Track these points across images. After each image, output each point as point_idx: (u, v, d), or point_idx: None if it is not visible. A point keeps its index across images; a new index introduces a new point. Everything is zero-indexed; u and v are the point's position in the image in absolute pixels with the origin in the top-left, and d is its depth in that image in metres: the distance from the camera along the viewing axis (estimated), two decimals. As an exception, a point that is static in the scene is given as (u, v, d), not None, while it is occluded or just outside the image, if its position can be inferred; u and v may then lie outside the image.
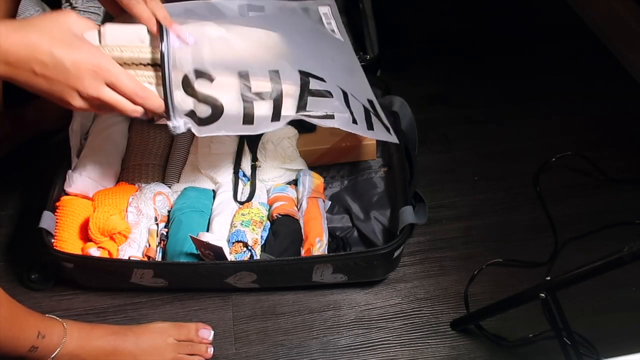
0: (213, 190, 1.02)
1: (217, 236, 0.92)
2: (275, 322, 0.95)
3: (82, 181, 0.97)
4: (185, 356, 0.88)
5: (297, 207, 1.00)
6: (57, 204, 0.93)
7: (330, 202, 1.05)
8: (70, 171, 0.98)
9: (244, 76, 0.76)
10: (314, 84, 0.79)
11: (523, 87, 1.33)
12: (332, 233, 1.00)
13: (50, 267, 0.97)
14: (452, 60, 1.39)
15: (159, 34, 0.71)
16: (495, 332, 0.94)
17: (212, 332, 0.92)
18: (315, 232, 0.95)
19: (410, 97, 1.06)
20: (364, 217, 1.02)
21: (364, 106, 0.86)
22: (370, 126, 0.85)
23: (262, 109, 0.78)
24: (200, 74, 0.73)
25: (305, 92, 0.79)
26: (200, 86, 0.73)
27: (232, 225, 0.95)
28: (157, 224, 0.96)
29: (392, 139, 0.88)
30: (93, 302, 0.97)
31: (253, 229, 0.93)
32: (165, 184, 1.02)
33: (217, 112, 0.75)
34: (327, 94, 0.80)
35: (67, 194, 0.96)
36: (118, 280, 0.94)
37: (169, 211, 0.99)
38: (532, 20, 1.49)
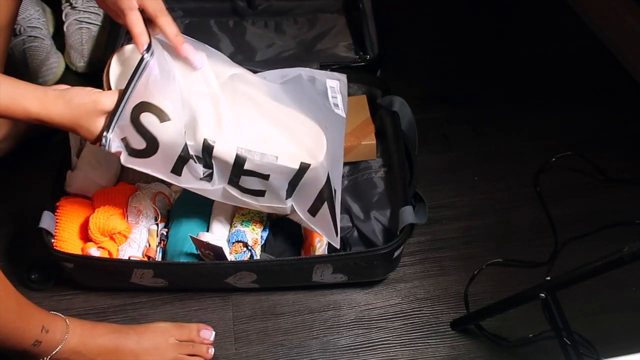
0: (213, 190, 1.02)
1: (217, 236, 0.92)
2: (275, 322, 0.95)
3: (82, 181, 0.97)
4: (186, 356, 0.88)
5: (297, 207, 1.00)
6: (57, 204, 0.93)
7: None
8: (70, 171, 0.98)
9: (191, 128, 0.77)
10: (249, 165, 0.81)
11: (523, 87, 1.33)
12: (332, 233, 1.00)
13: (50, 267, 0.97)
14: (452, 60, 1.39)
15: (144, 49, 0.73)
16: (495, 332, 0.94)
17: (214, 333, 0.92)
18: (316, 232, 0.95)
19: (410, 97, 1.06)
20: (364, 217, 1.02)
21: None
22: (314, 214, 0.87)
23: (196, 168, 0.80)
24: (157, 109, 0.74)
25: (240, 170, 0.81)
26: (147, 120, 0.74)
27: (232, 225, 0.95)
28: (157, 224, 0.97)
29: (333, 239, 0.89)
30: (93, 302, 0.97)
31: (253, 229, 0.93)
32: (165, 184, 1.02)
33: (150, 150, 0.76)
34: (264, 177, 0.82)
35: (67, 194, 0.97)
36: (118, 280, 0.94)
37: (168, 211, 0.99)
38: (532, 20, 1.48)
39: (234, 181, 0.83)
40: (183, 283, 0.96)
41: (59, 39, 1.32)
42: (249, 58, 1.22)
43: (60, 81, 1.28)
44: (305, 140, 0.85)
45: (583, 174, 1.16)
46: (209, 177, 0.82)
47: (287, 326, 0.95)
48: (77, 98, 0.72)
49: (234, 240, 0.91)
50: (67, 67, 1.30)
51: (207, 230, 0.95)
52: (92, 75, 1.28)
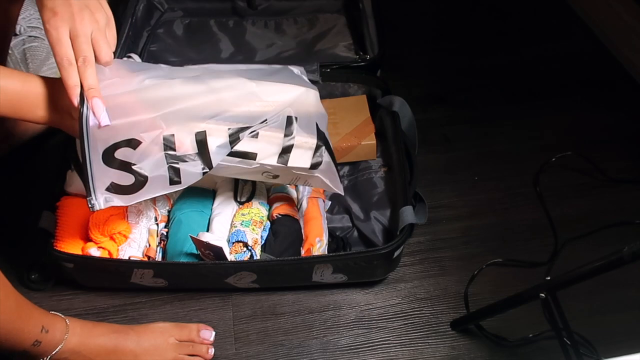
0: (213, 190, 1.02)
1: (217, 236, 0.92)
2: (275, 322, 0.95)
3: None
4: (185, 357, 0.88)
5: (297, 207, 1.00)
6: (57, 204, 0.93)
7: (330, 202, 1.05)
8: (70, 171, 0.98)
9: (168, 141, 0.73)
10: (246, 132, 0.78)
11: (523, 87, 1.33)
12: (332, 233, 1.00)
13: (50, 267, 0.97)
14: (452, 60, 1.39)
15: (78, 101, 0.69)
16: (495, 332, 0.94)
17: (214, 333, 0.92)
18: (316, 232, 0.95)
19: (410, 97, 1.06)
20: (364, 217, 1.02)
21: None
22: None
23: (190, 167, 0.76)
24: (124, 142, 0.71)
25: (235, 138, 0.78)
26: (123, 155, 0.71)
27: (232, 225, 0.95)
28: (157, 224, 0.97)
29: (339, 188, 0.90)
30: (93, 302, 0.97)
31: (253, 229, 0.93)
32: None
33: (140, 180, 0.73)
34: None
35: (67, 194, 0.96)
36: (118, 280, 0.94)
37: (169, 211, 0.99)
38: (532, 20, 1.48)
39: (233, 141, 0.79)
40: (183, 283, 0.96)
41: (59, 39, 1.32)
42: (249, 58, 1.22)
43: (60, 81, 1.28)
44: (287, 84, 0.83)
45: (583, 174, 1.16)
46: (208, 165, 0.78)
47: (287, 326, 0.95)
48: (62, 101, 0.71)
49: (234, 240, 0.91)
50: (67, 67, 1.30)
51: (207, 230, 0.95)
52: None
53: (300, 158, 0.85)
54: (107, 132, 0.70)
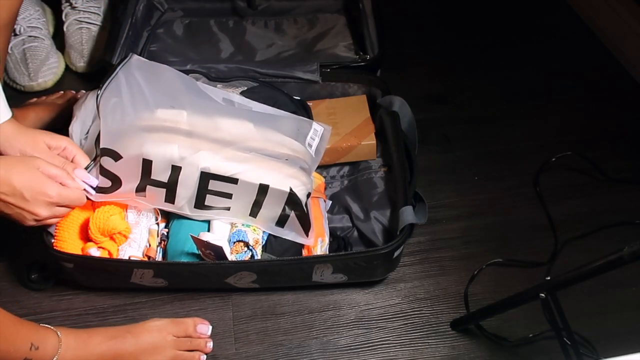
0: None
1: (217, 236, 0.92)
2: (275, 322, 0.95)
3: (82, 181, 0.97)
4: (185, 352, 0.88)
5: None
6: (57, 204, 0.93)
7: (330, 202, 1.05)
8: (70, 171, 0.98)
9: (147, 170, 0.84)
10: (213, 185, 0.86)
11: (523, 87, 1.33)
12: (332, 233, 1.00)
13: (50, 267, 0.97)
14: (452, 60, 1.39)
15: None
16: (495, 332, 0.94)
17: (210, 327, 0.92)
18: (317, 232, 0.95)
19: (410, 97, 1.06)
20: (364, 217, 1.02)
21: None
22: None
23: (159, 193, 0.87)
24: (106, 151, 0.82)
25: (203, 192, 0.87)
26: (106, 163, 0.83)
27: (233, 225, 0.95)
28: (157, 224, 0.96)
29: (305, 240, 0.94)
30: (93, 302, 0.97)
31: (254, 229, 0.93)
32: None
33: (116, 185, 0.86)
34: (226, 196, 0.87)
35: (67, 194, 0.96)
36: (118, 280, 0.94)
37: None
38: (532, 20, 1.48)
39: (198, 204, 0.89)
40: (183, 283, 0.96)
41: (59, 39, 1.32)
42: (249, 58, 1.22)
43: (60, 81, 1.28)
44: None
45: (583, 174, 1.16)
46: (170, 199, 0.88)
47: (287, 326, 0.95)
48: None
49: (235, 240, 0.91)
50: (67, 67, 1.30)
51: (208, 230, 0.95)
52: (92, 75, 1.28)
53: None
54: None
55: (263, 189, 0.86)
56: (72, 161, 0.85)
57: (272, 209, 0.89)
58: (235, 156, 0.86)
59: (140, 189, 0.87)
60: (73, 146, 0.86)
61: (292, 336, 0.94)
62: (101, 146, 0.81)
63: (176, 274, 0.92)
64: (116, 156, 0.82)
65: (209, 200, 0.88)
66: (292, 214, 0.89)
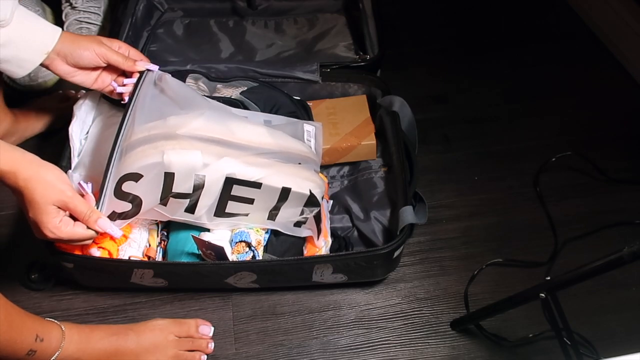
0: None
1: (218, 236, 0.92)
2: (275, 322, 0.95)
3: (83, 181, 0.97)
4: (186, 352, 0.88)
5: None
6: (57, 204, 0.93)
7: (331, 202, 1.05)
8: (70, 171, 0.97)
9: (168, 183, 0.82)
10: (237, 191, 0.85)
11: (523, 87, 1.33)
12: (333, 233, 1.00)
13: (50, 267, 0.97)
14: (452, 60, 1.39)
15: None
16: (495, 332, 0.94)
17: (212, 328, 0.92)
18: (322, 232, 0.95)
19: (410, 97, 1.06)
20: (364, 217, 1.02)
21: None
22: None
23: (179, 205, 0.85)
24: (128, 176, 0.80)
25: (225, 199, 0.86)
26: (127, 187, 0.80)
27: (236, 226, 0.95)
28: (157, 224, 0.96)
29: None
30: (93, 302, 0.97)
31: (257, 230, 0.93)
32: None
33: (137, 207, 0.82)
34: (248, 201, 0.87)
35: (67, 194, 0.96)
36: (118, 280, 0.94)
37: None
38: (532, 20, 1.48)
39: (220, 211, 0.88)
40: (183, 283, 0.96)
41: (59, 39, 1.32)
42: (249, 58, 1.22)
43: (61, 81, 1.28)
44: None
45: (583, 174, 1.16)
46: (191, 210, 0.87)
47: (287, 326, 0.95)
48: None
49: (238, 240, 0.91)
50: (67, 67, 1.30)
51: (209, 231, 0.95)
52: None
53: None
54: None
55: (285, 193, 0.86)
56: (128, 55, 0.91)
57: (291, 211, 0.90)
58: (256, 161, 0.85)
59: (162, 205, 0.85)
60: (125, 45, 0.92)
61: (292, 336, 0.94)
62: (122, 173, 0.80)
63: (176, 274, 0.92)
64: (137, 177, 0.80)
65: (230, 207, 0.87)
66: (310, 215, 0.90)
